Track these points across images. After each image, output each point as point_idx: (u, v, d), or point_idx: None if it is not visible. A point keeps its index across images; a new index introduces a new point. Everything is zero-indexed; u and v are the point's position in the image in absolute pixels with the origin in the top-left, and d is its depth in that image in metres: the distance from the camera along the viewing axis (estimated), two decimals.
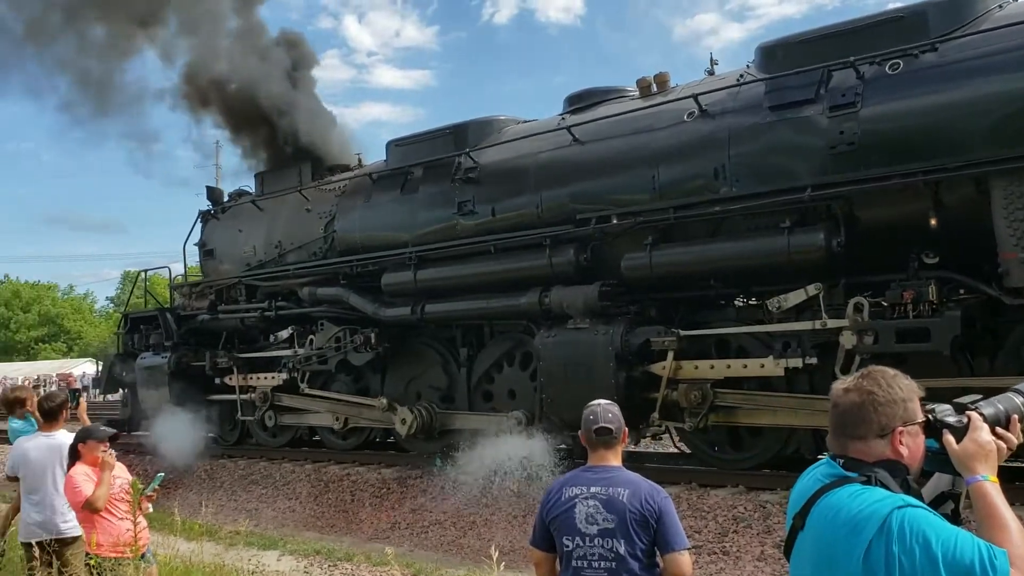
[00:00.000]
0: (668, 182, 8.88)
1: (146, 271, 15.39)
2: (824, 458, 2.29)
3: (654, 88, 9.82)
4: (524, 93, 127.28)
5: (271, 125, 13.44)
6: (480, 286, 10.27)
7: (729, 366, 8.63)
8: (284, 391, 12.65)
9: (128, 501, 5.18)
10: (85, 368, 59.27)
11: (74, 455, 5.41)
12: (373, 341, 11.25)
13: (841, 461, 2.19)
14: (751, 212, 8.35)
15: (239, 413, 13.10)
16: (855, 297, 7.73)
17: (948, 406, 2.21)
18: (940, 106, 7.36)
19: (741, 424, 8.83)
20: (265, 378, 12.81)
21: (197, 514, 9.22)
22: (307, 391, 12.17)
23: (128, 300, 16.93)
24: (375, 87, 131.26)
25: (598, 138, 9.51)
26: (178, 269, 15.47)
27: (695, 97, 8.75)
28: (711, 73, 9.66)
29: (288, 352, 12.43)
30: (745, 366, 8.54)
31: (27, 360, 76.05)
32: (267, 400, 12.73)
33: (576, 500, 3.39)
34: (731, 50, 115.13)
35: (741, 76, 8.88)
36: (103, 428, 5.69)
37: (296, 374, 12.34)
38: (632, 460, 9.19)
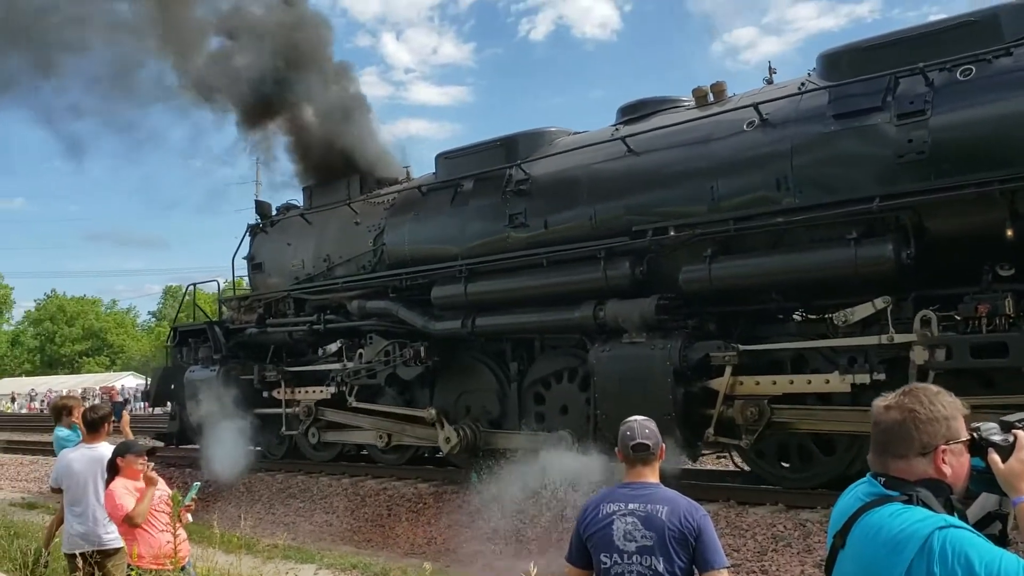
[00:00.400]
0: (727, 193, 8.68)
1: (194, 284, 15.45)
2: (865, 476, 2.25)
3: (711, 97, 9.64)
4: (560, 108, 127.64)
5: (324, 138, 13.41)
6: (532, 299, 10.12)
7: (792, 382, 8.38)
8: (330, 405, 12.58)
9: (168, 513, 5.19)
10: (125, 381, 60.24)
11: (113, 469, 5.42)
12: (423, 355, 11.14)
13: (882, 480, 2.16)
14: (815, 223, 8.11)
15: (283, 427, 13.02)
16: (923, 310, 7.47)
17: (994, 424, 2.16)
18: (1016, 112, 7.10)
19: (802, 432, 8.56)
20: (310, 391, 12.75)
21: (236, 527, 9.48)
22: (354, 404, 12.06)
23: (177, 313, 16.85)
24: (412, 103, 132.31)
25: (654, 149, 9.34)
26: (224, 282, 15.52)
27: (755, 106, 8.56)
28: (769, 82, 9.46)
29: (336, 366, 12.36)
30: (809, 382, 8.29)
31: (71, 373, 77.38)
32: (311, 414, 12.65)
33: (614, 517, 3.37)
34: (767, 63, 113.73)
35: (802, 85, 8.66)
36: (141, 443, 5.76)
37: (344, 387, 12.26)
38: (672, 477, 9.02)
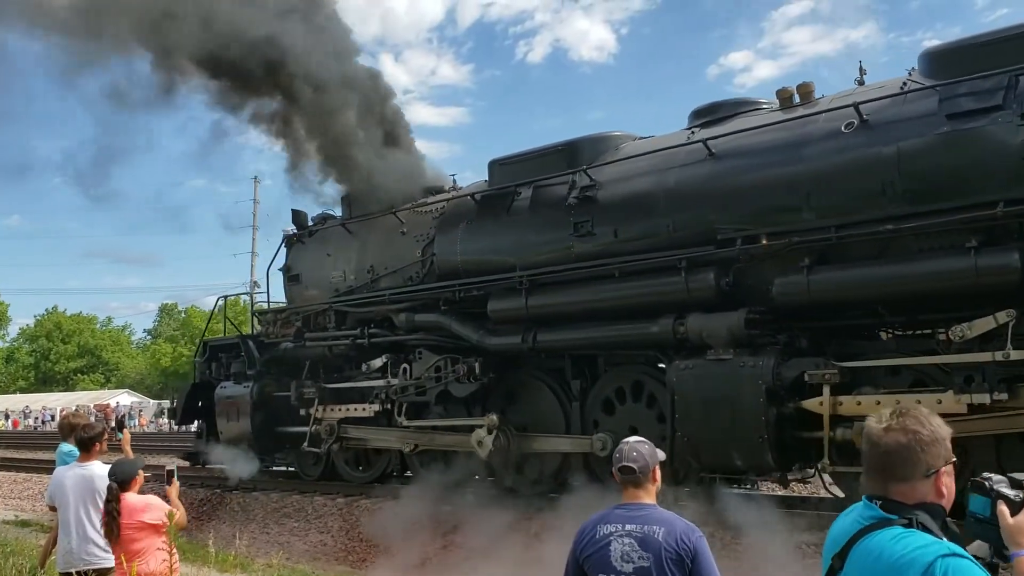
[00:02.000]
0: (825, 199, 8.08)
1: (225, 297, 14.77)
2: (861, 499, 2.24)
3: (796, 99, 9.08)
4: (558, 130, 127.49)
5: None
6: (601, 313, 9.52)
7: (899, 402, 7.75)
8: (365, 423, 11.95)
9: (164, 531, 5.16)
10: (120, 399, 59.44)
11: (114, 495, 5.20)
12: (477, 371, 10.51)
13: (879, 503, 2.15)
14: (925, 231, 7.53)
15: (306, 444, 12.35)
16: None
17: (1004, 478, 2.20)
18: None
19: None
20: (345, 409, 12.09)
21: (231, 546, 9.61)
22: (405, 423, 11.40)
23: (206, 327, 16.20)
24: (411, 124, 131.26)
25: (740, 152, 8.76)
26: (250, 295, 14.88)
27: (856, 106, 7.98)
28: (861, 83, 8.90)
29: (379, 382, 11.71)
30: (919, 401, 7.66)
31: (66, 390, 76.55)
32: (332, 432, 12.00)
33: (611, 538, 3.37)
34: (763, 87, 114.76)
35: (904, 84, 8.10)
36: (130, 463, 5.53)
37: (388, 405, 11.62)
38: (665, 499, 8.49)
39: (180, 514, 5.25)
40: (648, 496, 3.47)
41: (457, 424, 11.01)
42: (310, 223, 13.73)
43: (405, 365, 11.37)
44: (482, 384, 10.57)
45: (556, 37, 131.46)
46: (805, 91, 9.05)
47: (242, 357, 13.30)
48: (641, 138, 10.54)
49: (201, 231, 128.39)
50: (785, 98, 9.15)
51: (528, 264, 10.15)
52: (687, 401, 8.60)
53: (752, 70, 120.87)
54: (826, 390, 7.92)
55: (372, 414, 11.82)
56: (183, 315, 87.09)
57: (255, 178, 53.66)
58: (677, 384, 8.70)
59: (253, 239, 51.37)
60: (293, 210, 13.51)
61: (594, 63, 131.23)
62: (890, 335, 8.71)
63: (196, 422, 14.31)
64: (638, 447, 3.51)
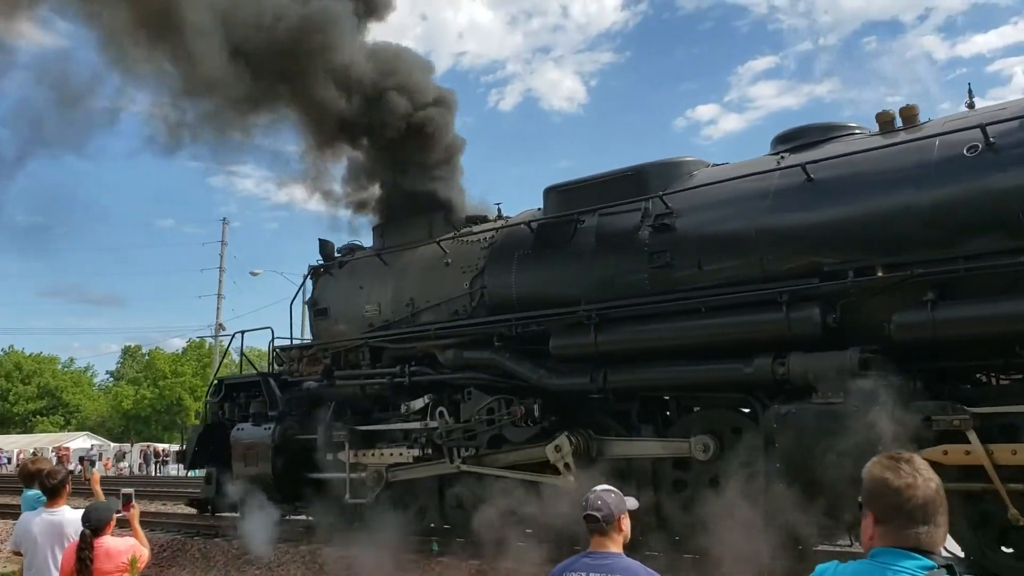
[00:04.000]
0: (948, 227, 7.40)
1: (243, 332, 13.76)
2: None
3: (898, 122, 8.45)
4: (527, 177, 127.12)
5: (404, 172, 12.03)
6: (683, 351, 8.72)
7: None
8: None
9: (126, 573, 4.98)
10: (79, 442, 57.46)
11: (88, 542, 4.94)
12: (536, 414, 9.64)
13: (923, 553, 2.17)
14: None
15: (347, 494, 11.34)
16: None
17: None
18: None
19: None
20: (383, 454, 11.13)
21: None
22: (465, 468, 10.42)
23: (219, 364, 15.14)
24: None
25: (845, 178, 8.07)
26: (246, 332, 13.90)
27: (982, 127, 7.34)
28: (971, 107, 8.29)
29: (417, 424, 10.79)
30: None
31: (23, 432, 74.09)
32: (381, 480, 11.01)
33: None
34: (729, 140, 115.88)
35: None
36: (104, 507, 5.23)
37: (428, 450, 10.69)
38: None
39: (144, 553, 5.12)
40: (614, 545, 3.52)
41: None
42: (336, 255, 12.84)
43: (442, 408, 10.47)
44: (542, 428, 9.70)
45: (527, 87, 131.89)
46: (909, 114, 8.42)
47: (261, 397, 12.30)
48: (714, 165, 9.85)
49: (167, 272, 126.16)
50: (886, 122, 8.51)
51: (595, 298, 9.35)
52: (791, 449, 7.78)
53: (718, 123, 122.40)
54: (973, 436, 7.11)
55: (411, 459, 10.88)
56: (146, 358, 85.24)
57: (224, 220, 52.60)
58: (778, 430, 7.89)
59: (220, 281, 50.27)
60: (320, 240, 12.65)
61: (564, 113, 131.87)
62: (1001, 379, 8.03)
63: (206, 467, 13.17)
64: (604, 496, 3.56)
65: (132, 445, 52.88)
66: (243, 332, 13.72)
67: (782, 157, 8.88)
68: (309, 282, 12.87)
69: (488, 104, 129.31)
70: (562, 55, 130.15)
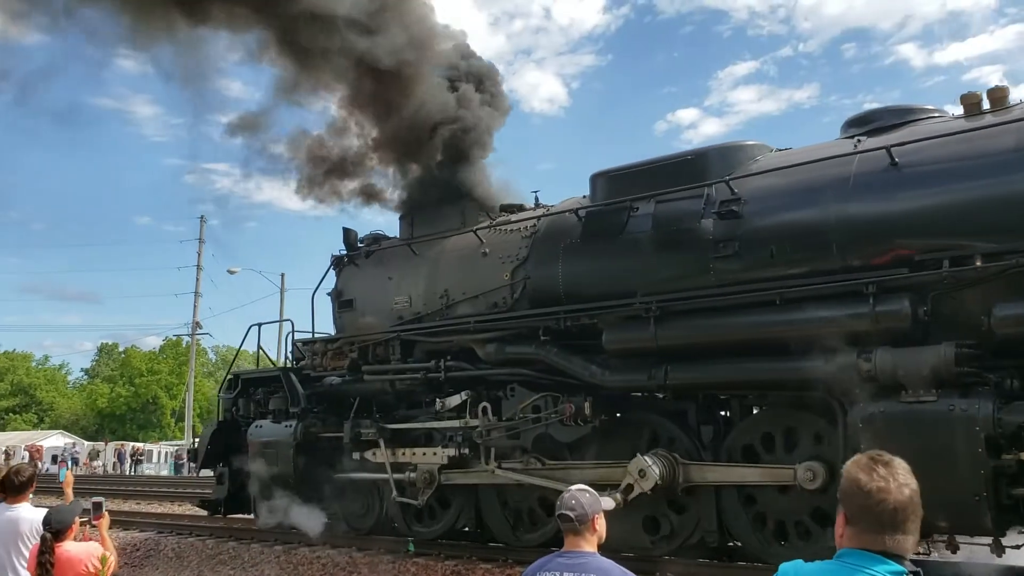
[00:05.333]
0: None
1: (259, 325, 13.02)
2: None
3: (986, 104, 7.96)
4: (508, 180, 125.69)
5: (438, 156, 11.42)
6: (753, 346, 8.18)
7: None
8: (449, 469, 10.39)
9: None
10: (53, 440, 56.25)
11: (48, 546, 4.85)
12: (587, 412, 9.06)
13: (890, 556, 2.15)
14: None
15: (394, 494, 10.70)
16: None
17: None
18: None
19: None
20: (421, 453, 10.52)
21: None
22: (498, 471, 9.84)
23: (234, 358, 14.42)
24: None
25: (935, 162, 7.57)
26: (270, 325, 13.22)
27: None
28: None
29: (454, 423, 10.18)
30: None
31: None
32: (433, 481, 10.37)
33: None
34: (709, 144, 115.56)
35: None
36: (67, 509, 5.11)
37: (466, 450, 10.09)
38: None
39: (112, 561, 4.99)
40: (588, 544, 3.51)
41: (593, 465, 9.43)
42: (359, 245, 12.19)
43: (485, 404, 9.87)
44: (593, 428, 9.13)
45: (509, 88, 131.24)
46: (999, 96, 7.92)
47: (280, 393, 11.63)
48: (779, 150, 9.33)
49: (144, 269, 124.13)
50: (972, 104, 8.02)
51: (651, 289, 8.80)
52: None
53: (699, 127, 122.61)
54: None
55: (445, 459, 10.27)
56: (123, 355, 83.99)
57: (201, 217, 51.56)
58: (863, 431, 7.35)
59: (197, 279, 49.40)
60: (344, 229, 11.97)
61: (545, 115, 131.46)
62: None
63: (218, 466, 12.47)
64: (578, 495, 3.56)
65: (106, 444, 51.85)
66: (259, 325, 13.00)
67: (858, 141, 8.36)
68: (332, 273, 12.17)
69: None
70: (544, 57, 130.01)
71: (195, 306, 49.60)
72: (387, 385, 10.79)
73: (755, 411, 8.99)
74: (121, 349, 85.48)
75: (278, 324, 39.68)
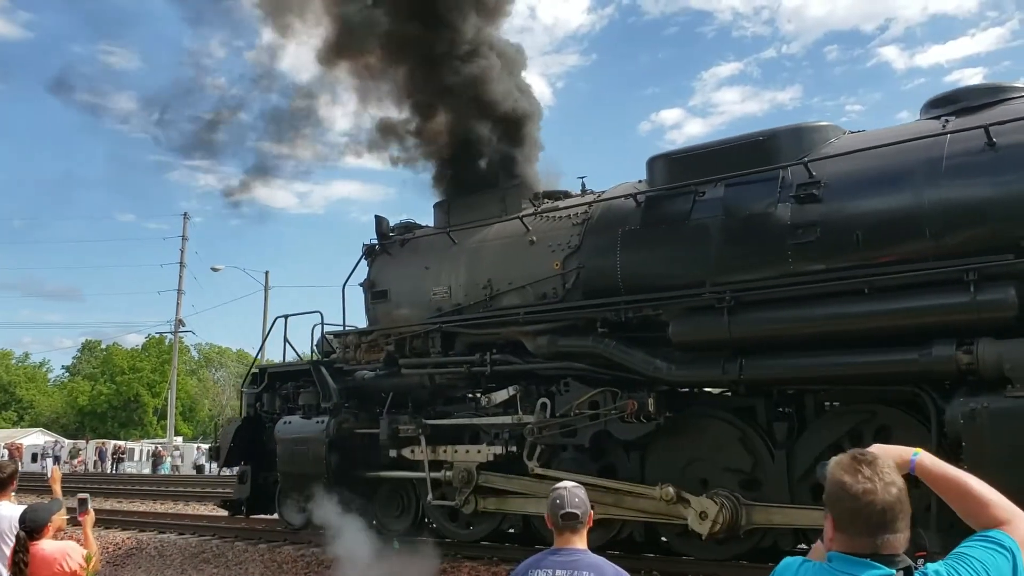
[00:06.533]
0: None
1: (286, 317, 12.39)
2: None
3: None
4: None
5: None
6: (838, 338, 7.68)
7: None
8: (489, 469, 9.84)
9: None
10: (33, 439, 55.25)
11: (22, 545, 4.80)
12: (651, 408, 8.54)
13: (881, 559, 2.09)
14: None
15: (429, 495, 10.15)
16: None
17: None
18: None
19: None
20: (463, 451, 9.97)
21: None
22: (539, 471, 9.32)
23: (260, 348, 13.80)
24: (346, 167, 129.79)
25: None
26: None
27: None
28: None
29: (503, 419, 9.64)
30: None
31: None
32: (471, 481, 9.82)
33: None
34: (694, 143, 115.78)
35: None
36: (44, 508, 5.04)
37: (513, 447, 9.56)
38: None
39: (95, 560, 4.97)
40: (581, 541, 3.52)
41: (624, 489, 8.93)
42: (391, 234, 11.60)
43: (544, 400, 9.32)
44: (658, 425, 8.61)
45: None
46: None
47: (311, 387, 11.04)
48: (853, 132, 8.85)
49: (126, 267, 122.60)
50: None
51: (722, 278, 8.29)
52: (985, 451, 6.77)
53: (683, 127, 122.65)
54: None
55: (491, 457, 9.73)
56: (104, 352, 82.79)
57: (184, 215, 50.74)
58: (966, 429, 6.86)
59: (180, 276, 48.63)
60: (377, 217, 11.40)
61: None
62: None
63: (240, 464, 11.87)
64: (577, 492, 3.57)
65: (87, 442, 50.98)
66: (286, 316, 12.37)
67: (947, 121, 7.89)
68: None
69: None
70: (529, 56, 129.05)
71: (178, 303, 48.86)
72: (426, 379, 10.23)
73: (827, 407, 8.51)
74: (103, 347, 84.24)
75: (266, 321, 38.71)
